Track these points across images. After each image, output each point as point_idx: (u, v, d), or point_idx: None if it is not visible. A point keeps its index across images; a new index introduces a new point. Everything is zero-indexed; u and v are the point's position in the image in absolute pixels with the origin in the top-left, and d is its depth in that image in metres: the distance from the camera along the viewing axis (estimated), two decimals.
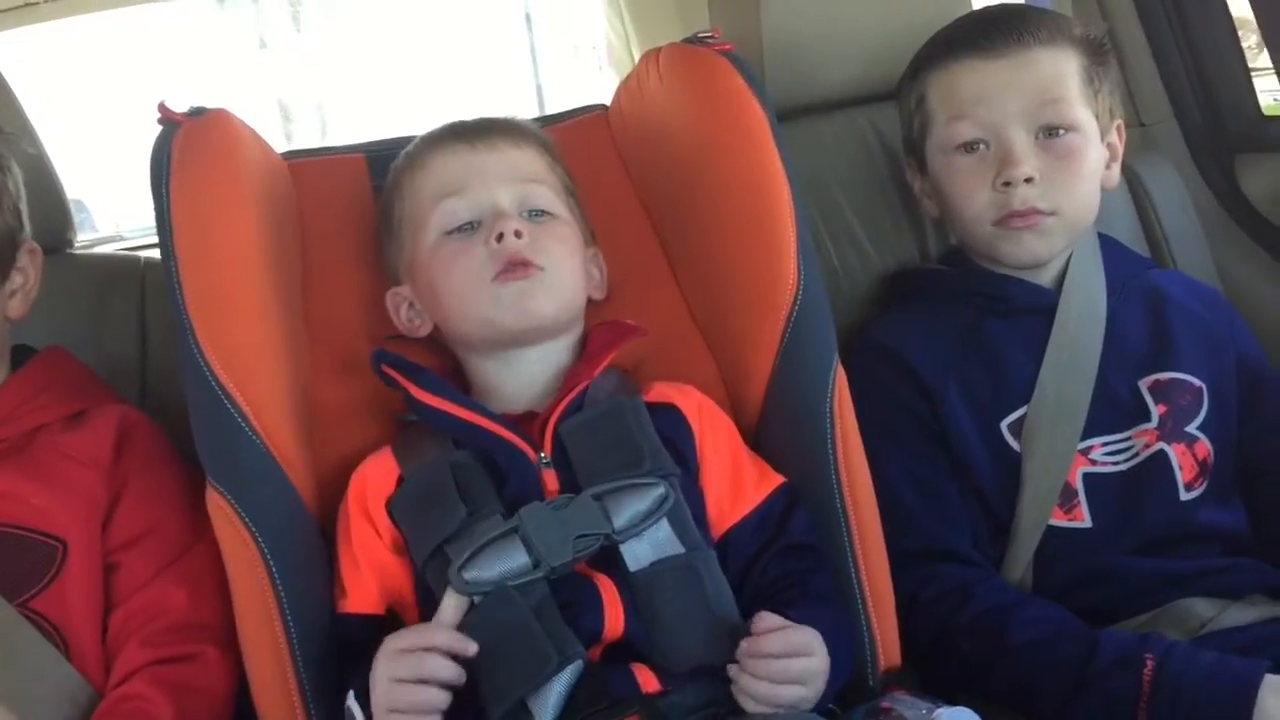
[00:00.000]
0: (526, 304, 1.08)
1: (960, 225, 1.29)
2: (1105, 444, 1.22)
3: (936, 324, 1.28)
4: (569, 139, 1.32)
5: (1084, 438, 1.21)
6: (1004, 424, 1.22)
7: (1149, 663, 1.03)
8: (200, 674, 1.06)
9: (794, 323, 1.11)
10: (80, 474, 1.09)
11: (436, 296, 1.12)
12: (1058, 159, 1.22)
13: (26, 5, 2.01)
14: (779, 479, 1.12)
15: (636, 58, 1.85)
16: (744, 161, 1.15)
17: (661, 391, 1.13)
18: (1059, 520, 1.20)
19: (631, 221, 1.32)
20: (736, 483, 1.11)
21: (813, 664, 0.95)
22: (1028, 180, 1.20)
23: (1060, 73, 1.23)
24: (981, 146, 1.24)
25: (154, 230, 1.07)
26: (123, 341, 1.35)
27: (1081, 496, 1.20)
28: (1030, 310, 1.26)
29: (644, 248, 1.31)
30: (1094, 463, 1.21)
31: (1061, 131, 1.22)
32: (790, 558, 1.08)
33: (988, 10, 1.34)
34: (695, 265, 1.25)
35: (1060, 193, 1.22)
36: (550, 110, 1.49)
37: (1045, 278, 1.28)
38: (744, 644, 0.92)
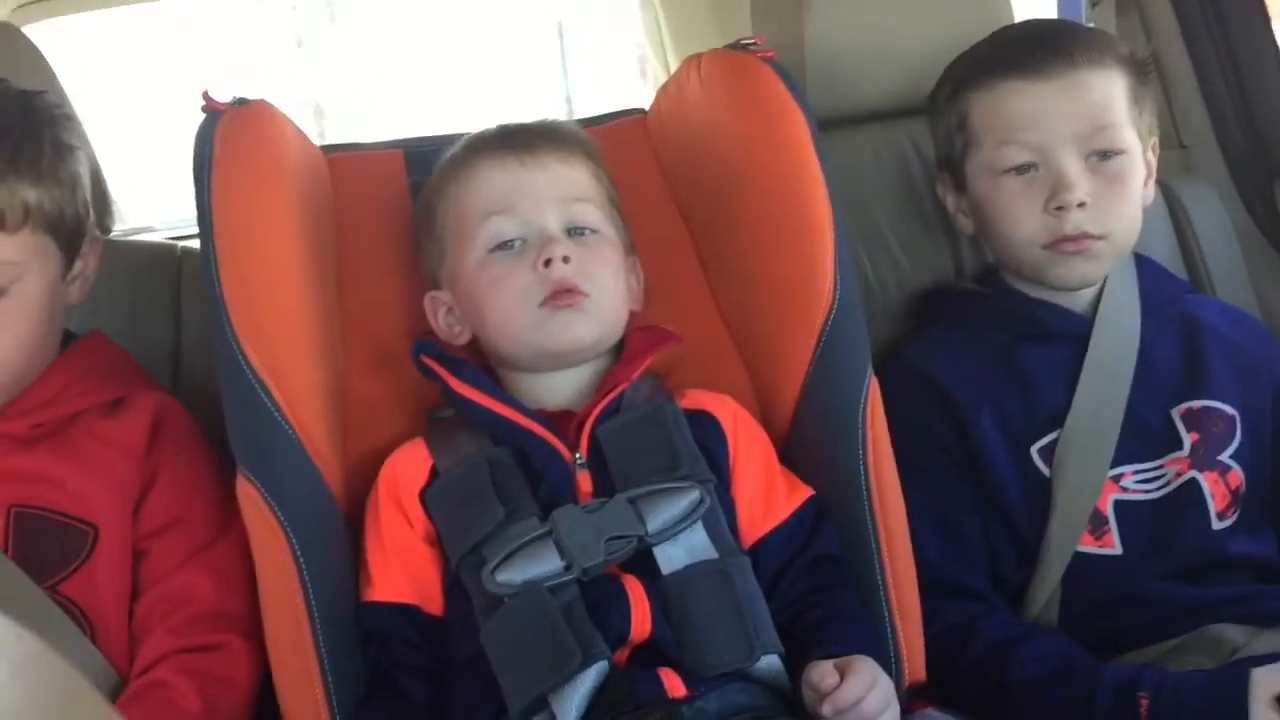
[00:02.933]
0: (571, 332, 1.08)
1: (1007, 247, 1.27)
2: (1137, 471, 1.21)
3: (970, 347, 1.27)
4: (606, 142, 1.31)
5: (1115, 465, 1.20)
6: (1034, 449, 1.21)
7: (1143, 700, 1.03)
8: (227, 663, 1.05)
9: (829, 332, 1.11)
10: (115, 460, 1.10)
11: (480, 313, 1.12)
12: (1107, 182, 1.21)
13: None
14: (808, 491, 1.12)
15: (672, 67, 1.86)
16: (784, 169, 1.14)
17: (697, 399, 1.13)
18: (1089, 546, 1.19)
19: (667, 227, 1.32)
20: (768, 494, 1.10)
21: (886, 686, 0.95)
22: (1080, 205, 1.19)
23: (1109, 96, 1.22)
24: (1031, 170, 1.23)
25: (185, 223, 1.07)
26: (157, 329, 1.35)
27: (1112, 523, 1.19)
28: (1063, 335, 1.25)
29: (679, 253, 1.30)
30: (1125, 490, 1.20)
31: (1111, 155, 1.21)
32: (817, 570, 1.08)
33: (1031, 28, 1.32)
34: (731, 271, 1.25)
35: (1110, 216, 1.21)
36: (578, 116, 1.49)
37: (1079, 302, 1.27)
38: (825, 707, 0.91)
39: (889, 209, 1.46)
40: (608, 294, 1.11)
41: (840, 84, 1.46)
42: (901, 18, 1.46)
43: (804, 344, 1.12)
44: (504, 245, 1.10)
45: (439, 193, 1.17)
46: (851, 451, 1.10)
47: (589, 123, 1.41)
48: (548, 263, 1.07)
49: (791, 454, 1.16)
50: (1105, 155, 1.21)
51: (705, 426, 1.10)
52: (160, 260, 1.41)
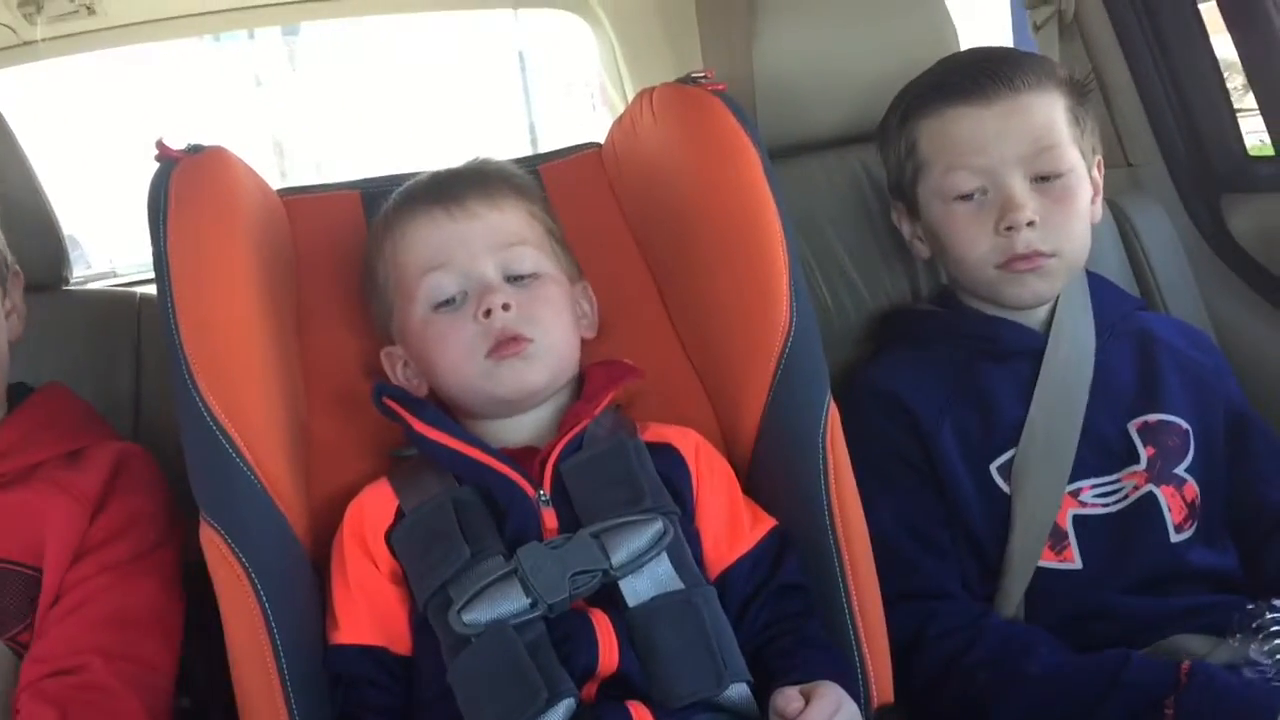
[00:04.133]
0: (521, 379, 1.09)
1: (962, 269, 1.30)
2: (1095, 486, 1.22)
3: (930, 365, 1.29)
4: (563, 176, 1.33)
5: (1073, 480, 1.22)
6: (993, 466, 1.23)
7: (1186, 662, 1.06)
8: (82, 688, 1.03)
9: (786, 360, 1.12)
10: (75, 512, 1.09)
11: (431, 367, 1.13)
12: (1054, 201, 1.24)
13: (25, 44, 2.02)
14: (772, 522, 1.13)
15: (630, 97, 1.87)
16: (737, 200, 1.16)
17: (659, 432, 1.14)
18: (1050, 561, 1.20)
19: (625, 259, 1.33)
20: (733, 524, 1.11)
21: (850, 710, 0.96)
22: (1029, 224, 1.22)
23: (1051, 118, 1.25)
24: (980, 193, 1.25)
25: (148, 267, 1.07)
26: (118, 377, 1.35)
27: (1072, 538, 1.21)
28: (1020, 352, 1.27)
29: (638, 285, 1.31)
30: (1084, 505, 1.22)
31: (1056, 175, 1.24)
32: (783, 599, 1.09)
33: (974, 56, 1.35)
34: (688, 302, 1.26)
35: (1059, 234, 1.24)
36: (543, 148, 1.50)
37: (1034, 319, 1.29)
38: None
39: (844, 234, 1.47)
40: (553, 334, 1.11)
41: (791, 113, 1.48)
42: (849, 46, 1.49)
43: (763, 372, 1.13)
44: (447, 303, 1.11)
45: (377, 251, 1.17)
46: (813, 477, 1.11)
47: (545, 158, 1.42)
48: (488, 313, 1.08)
49: (754, 481, 1.17)
50: (1049, 176, 1.24)
51: (668, 459, 1.10)
52: (119, 308, 1.41)
